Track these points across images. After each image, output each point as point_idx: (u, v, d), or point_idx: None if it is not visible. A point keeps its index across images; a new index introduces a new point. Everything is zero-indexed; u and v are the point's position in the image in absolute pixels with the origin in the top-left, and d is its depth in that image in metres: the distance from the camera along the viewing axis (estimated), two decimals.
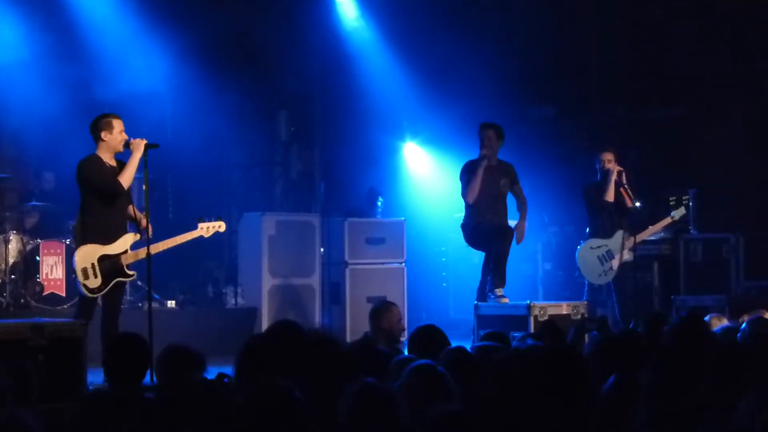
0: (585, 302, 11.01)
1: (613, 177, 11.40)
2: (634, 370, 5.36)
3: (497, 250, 10.95)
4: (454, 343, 6.35)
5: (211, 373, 5.59)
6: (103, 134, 8.97)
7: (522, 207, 11.30)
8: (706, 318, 8.13)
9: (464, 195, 11.15)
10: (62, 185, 12.41)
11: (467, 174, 11.18)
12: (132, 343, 5.78)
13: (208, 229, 9.49)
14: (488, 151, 11.11)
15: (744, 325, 7.22)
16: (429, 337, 6.43)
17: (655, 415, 4.40)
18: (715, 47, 14.26)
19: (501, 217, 11.22)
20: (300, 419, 4.06)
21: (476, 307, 10.87)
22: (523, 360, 4.32)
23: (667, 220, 11.96)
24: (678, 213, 12.00)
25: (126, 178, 8.96)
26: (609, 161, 11.56)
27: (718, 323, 8.07)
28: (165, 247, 9.26)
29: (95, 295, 8.90)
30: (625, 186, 11.43)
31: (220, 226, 9.57)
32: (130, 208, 9.05)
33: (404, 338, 8.46)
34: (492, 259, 10.98)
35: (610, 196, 11.42)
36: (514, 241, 11.08)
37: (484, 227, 11.07)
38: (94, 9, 13.41)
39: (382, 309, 8.09)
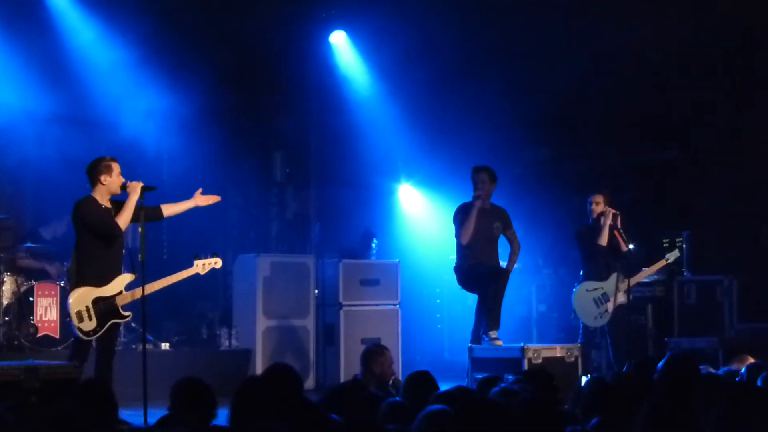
0: (579, 345, 11.02)
1: (608, 221, 11.41)
2: (627, 415, 5.38)
3: (493, 291, 10.94)
4: (449, 386, 6.38)
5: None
6: (102, 177, 9.01)
7: (513, 253, 11.31)
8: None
9: (458, 236, 11.17)
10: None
11: (461, 215, 11.21)
12: (95, 391, 5.75)
13: (204, 266, 9.48)
14: (481, 194, 11.15)
15: (744, 370, 7.23)
16: (422, 383, 6.46)
17: None
18: (709, 90, 14.34)
19: (494, 259, 11.24)
20: None
21: (470, 349, 10.86)
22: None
23: (662, 263, 11.98)
24: (672, 255, 12.02)
25: (124, 220, 8.99)
26: (598, 203, 11.59)
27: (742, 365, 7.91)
28: (161, 286, 9.25)
29: (90, 338, 8.89)
30: (620, 229, 11.45)
31: (216, 262, 9.55)
32: None
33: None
34: (487, 301, 10.97)
35: (604, 240, 11.42)
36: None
37: (479, 269, 11.07)
38: (93, 53, 13.50)
39: (374, 352, 8.09)
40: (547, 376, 6.63)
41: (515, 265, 11.42)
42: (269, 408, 5.44)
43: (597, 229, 11.48)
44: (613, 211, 11.46)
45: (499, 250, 11.35)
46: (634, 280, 11.65)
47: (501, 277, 11.01)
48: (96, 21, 13.55)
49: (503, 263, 11.33)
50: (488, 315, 10.90)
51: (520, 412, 4.80)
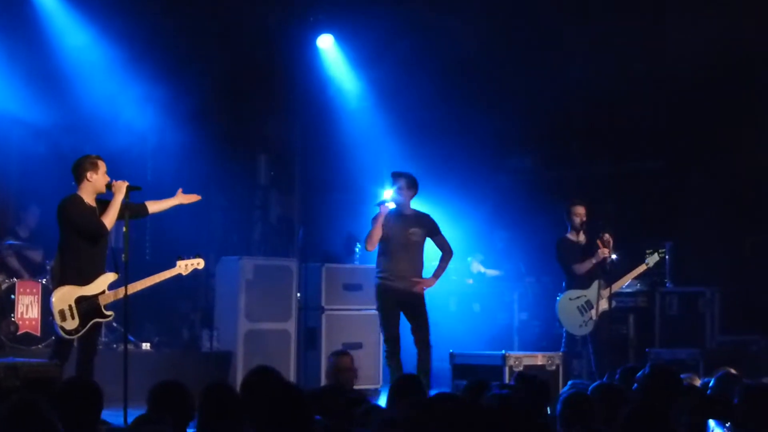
0: (561, 353, 11.02)
1: (597, 261, 11.44)
2: (606, 423, 5.40)
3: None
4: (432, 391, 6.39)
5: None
6: (88, 174, 8.99)
7: (443, 260, 10.95)
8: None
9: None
10: (40, 224, 12.44)
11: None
12: (82, 389, 5.72)
13: (186, 266, 9.49)
14: (388, 200, 10.98)
15: (712, 381, 7.26)
16: (409, 386, 6.47)
17: None
18: (694, 102, 14.39)
19: (411, 270, 10.84)
20: None
21: (452, 356, 10.85)
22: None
23: (642, 267, 11.91)
24: (652, 259, 11.96)
25: (109, 220, 8.98)
26: (579, 215, 11.57)
27: None
28: (143, 286, 9.25)
29: (72, 337, 8.87)
30: (608, 234, 11.46)
31: (199, 263, 9.57)
32: None
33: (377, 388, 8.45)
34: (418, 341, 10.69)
35: (582, 270, 11.45)
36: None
37: (392, 297, 10.77)
38: (78, 54, 13.48)
39: (330, 358, 8.18)
40: (538, 383, 6.64)
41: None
42: (238, 412, 5.44)
43: (578, 247, 11.51)
44: (606, 247, 11.42)
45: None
46: (616, 286, 11.64)
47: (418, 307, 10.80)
48: (83, 22, 13.53)
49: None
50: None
51: (507, 418, 4.79)
